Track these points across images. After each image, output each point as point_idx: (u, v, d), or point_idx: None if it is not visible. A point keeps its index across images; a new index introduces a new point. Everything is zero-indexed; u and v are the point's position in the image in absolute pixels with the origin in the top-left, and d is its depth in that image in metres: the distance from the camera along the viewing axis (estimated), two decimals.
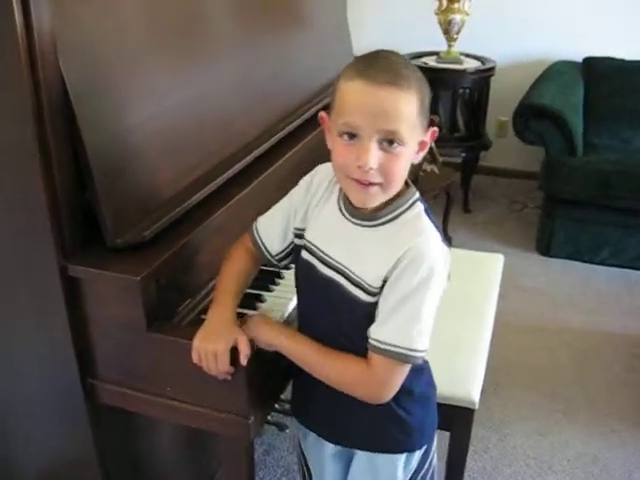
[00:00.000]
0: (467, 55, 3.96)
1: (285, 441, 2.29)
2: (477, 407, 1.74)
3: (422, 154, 1.17)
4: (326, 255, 1.21)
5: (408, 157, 1.12)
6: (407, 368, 1.17)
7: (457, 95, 3.77)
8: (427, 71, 3.86)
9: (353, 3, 2.96)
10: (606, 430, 2.36)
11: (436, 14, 3.82)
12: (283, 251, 1.33)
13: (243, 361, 1.18)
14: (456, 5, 3.77)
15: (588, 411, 2.44)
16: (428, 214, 1.19)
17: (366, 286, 1.15)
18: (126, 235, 1.28)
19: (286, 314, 1.46)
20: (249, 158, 1.65)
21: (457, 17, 3.77)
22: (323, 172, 1.30)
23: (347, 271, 1.18)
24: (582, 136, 3.49)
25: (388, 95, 1.06)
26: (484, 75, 3.81)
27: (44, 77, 1.15)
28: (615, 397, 2.52)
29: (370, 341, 1.14)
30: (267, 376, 1.31)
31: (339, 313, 1.20)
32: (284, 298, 1.49)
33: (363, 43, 3.28)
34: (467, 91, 3.80)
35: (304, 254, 1.26)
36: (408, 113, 1.08)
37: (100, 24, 1.31)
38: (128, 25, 1.40)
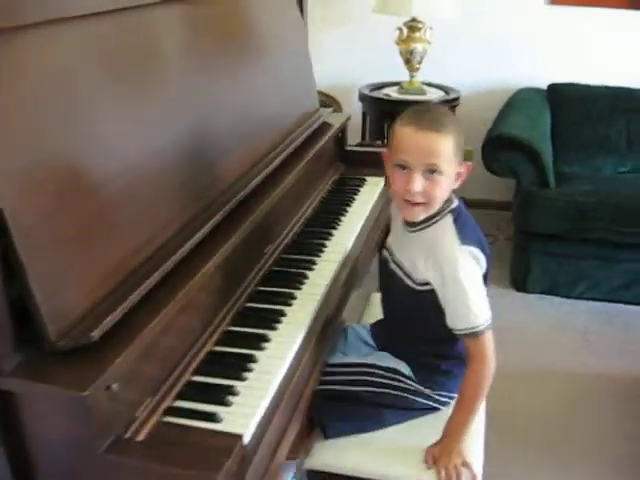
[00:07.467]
0: (430, 85, 3.82)
1: None
2: None
3: (459, 182, 1.53)
4: (393, 255, 1.64)
5: (446, 184, 1.48)
6: (488, 334, 1.48)
7: None
8: (389, 103, 3.71)
9: (313, 35, 2.81)
10: None
11: (397, 44, 3.67)
12: None
13: None
14: (417, 34, 3.63)
15: (583, 468, 2.26)
16: (457, 221, 1.52)
17: (412, 276, 1.56)
18: (69, 336, 1.06)
19: (287, 363, 1.37)
20: (213, 222, 1.45)
21: (419, 46, 3.63)
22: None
23: (402, 265, 1.60)
24: (552, 165, 3.35)
25: (431, 138, 1.43)
26: (449, 105, 3.63)
27: None
28: (608, 449, 2.36)
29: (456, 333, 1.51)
30: None
31: (399, 296, 1.64)
32: (288, 341, 1.44)
33: (324, 75, 3.14)
34: None
35: (383, 252, 1.70)
36: (445, 151, 1.44)
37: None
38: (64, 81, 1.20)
